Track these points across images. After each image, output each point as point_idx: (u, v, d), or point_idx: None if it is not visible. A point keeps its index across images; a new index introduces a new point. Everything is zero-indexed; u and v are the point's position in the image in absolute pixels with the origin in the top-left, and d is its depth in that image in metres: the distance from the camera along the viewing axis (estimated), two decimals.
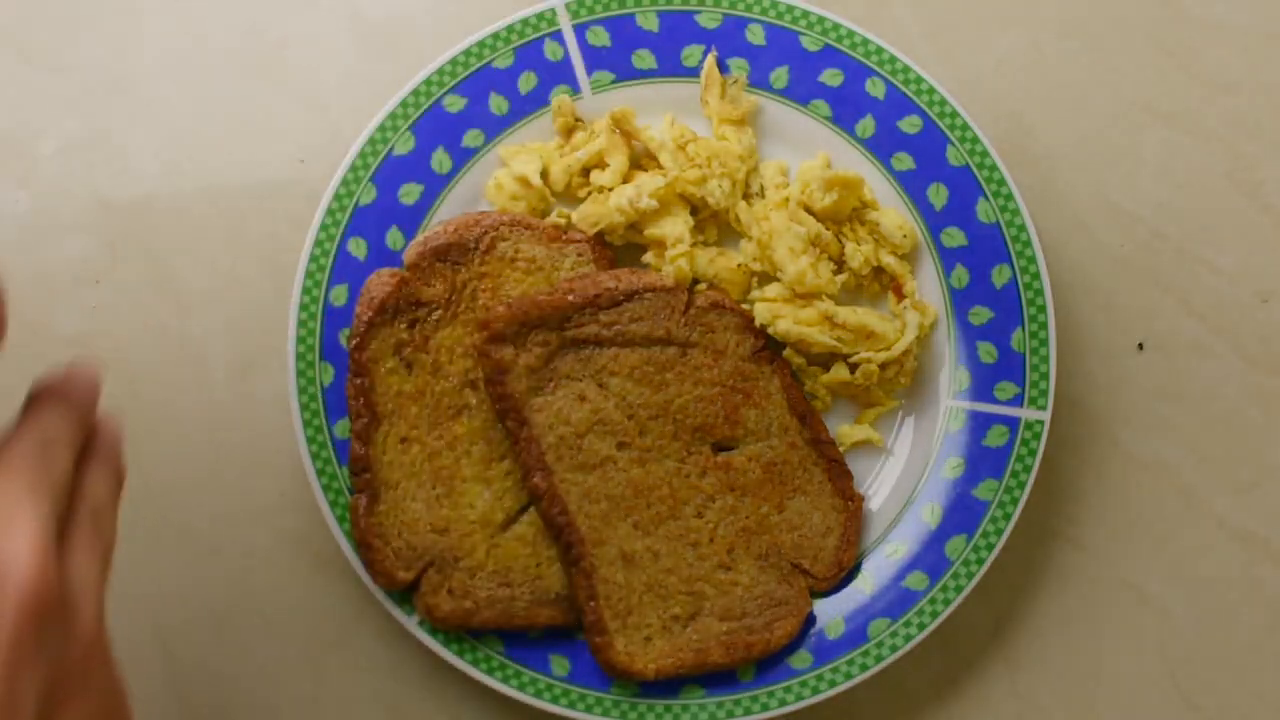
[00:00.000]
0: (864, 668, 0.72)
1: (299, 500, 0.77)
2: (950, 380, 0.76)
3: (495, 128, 0.77)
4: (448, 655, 0.72)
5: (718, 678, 0.73)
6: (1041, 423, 0.74)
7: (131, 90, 0.81)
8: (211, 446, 0.78)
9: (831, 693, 0.72)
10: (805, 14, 0.77)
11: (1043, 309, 0.74)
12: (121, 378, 0.78)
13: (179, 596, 0.77)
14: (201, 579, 0.77)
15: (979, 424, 0.75)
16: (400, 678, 0.76)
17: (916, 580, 0.73)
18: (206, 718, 0.76)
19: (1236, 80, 0.82)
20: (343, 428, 0.74)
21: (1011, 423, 0.74)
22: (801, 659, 0.73)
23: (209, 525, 0.77)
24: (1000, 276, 0.75)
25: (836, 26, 0.77)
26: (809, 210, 0.77)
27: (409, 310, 0.74)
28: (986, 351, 0.75)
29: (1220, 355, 0.80)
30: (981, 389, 0.75)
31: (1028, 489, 0.73)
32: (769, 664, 0.73)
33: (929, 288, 0.77)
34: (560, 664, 0.73)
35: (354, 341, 0.73)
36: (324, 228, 0.75)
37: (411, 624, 0.72)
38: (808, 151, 0.78)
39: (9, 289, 0.78)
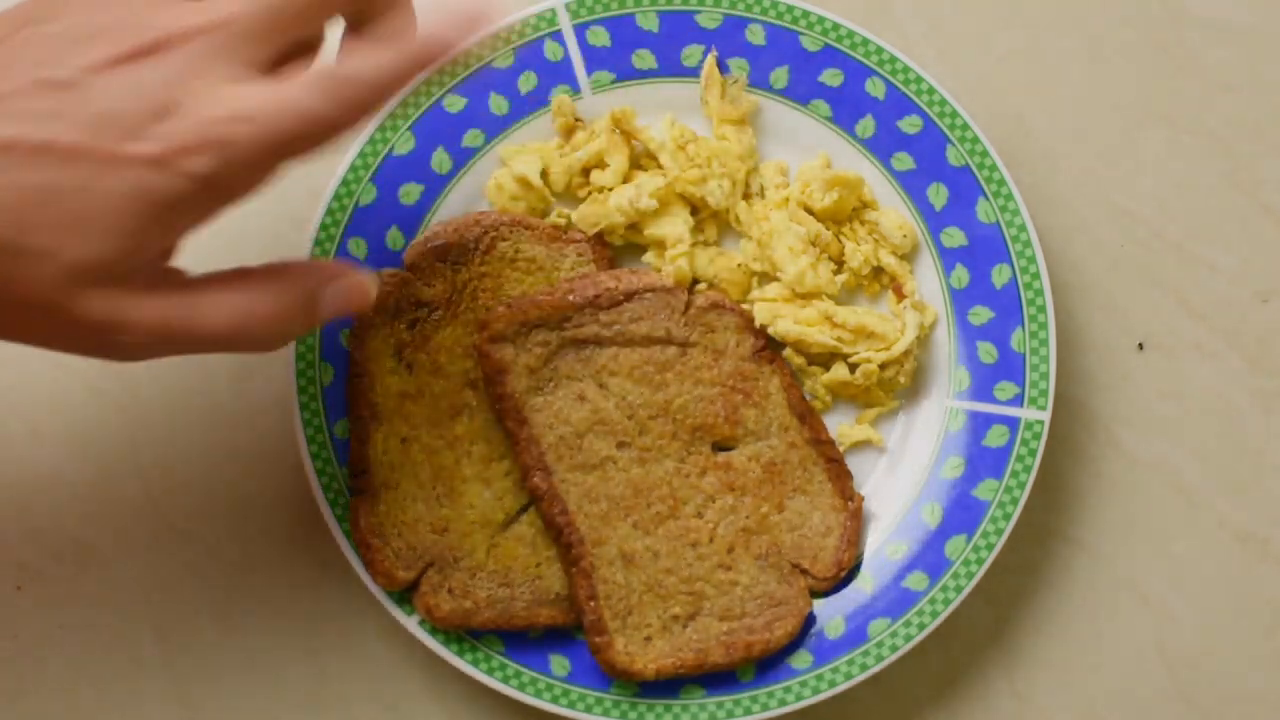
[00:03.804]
0: (864, 667, 0.72)
1: (299, 500, 0.77)
2: (950, 380, 0.76)
3: (495, 128, 0.77)
4: (448, 655, 0.72)
5: (718, 678, 0.73)
6: (1041, 423, 0.74)
7: None
8: (211, 447, 0.78)
9: (832, 692, 0.72)
10: (805, 14, 0.77)
11: (1043, 309, 0.74)
12: (122, 378, 0.78)
13: (179, 596, 0.77)
14: (201, 579, 0.77)
15: (979, 424, 0.75)
16: (400, 678, 0.76)
17: (916, 580, 0.73)
18: (207, 717, 0.76)
19: (1236, 80, 0.82)
20: (343, 428, 0.74)
21: (1011, 423, 0.74)
22: (801, 659, 0.73)
23: (209, 525, 0.77)
24: (1000, 276, 0.75)
25: (836, 26, 0.77)
26: (809, 210, 0.77)
27: (409, 310, 0.74)
28: (986, 351, 0.75)
29: (1220, 355, 0.80)
30: (981, 389, 0.75)
31: (1028, 489, 0.73)
32: (769, 664, 0.73)
33: (929, 287, 0.77)
34: (560, 664, 0.73)
35: (354, 341, 0.73)
36: (324, 227, 0.75)
37: (412, 624, 0.72)
38: (808, 151, 0.78)
39: None
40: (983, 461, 0.74)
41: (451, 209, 0.76)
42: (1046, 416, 0.74)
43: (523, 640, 0.73)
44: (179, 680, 0.76)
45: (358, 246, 0.75)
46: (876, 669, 0.72)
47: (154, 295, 0.57)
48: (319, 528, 0.76)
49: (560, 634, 0.73)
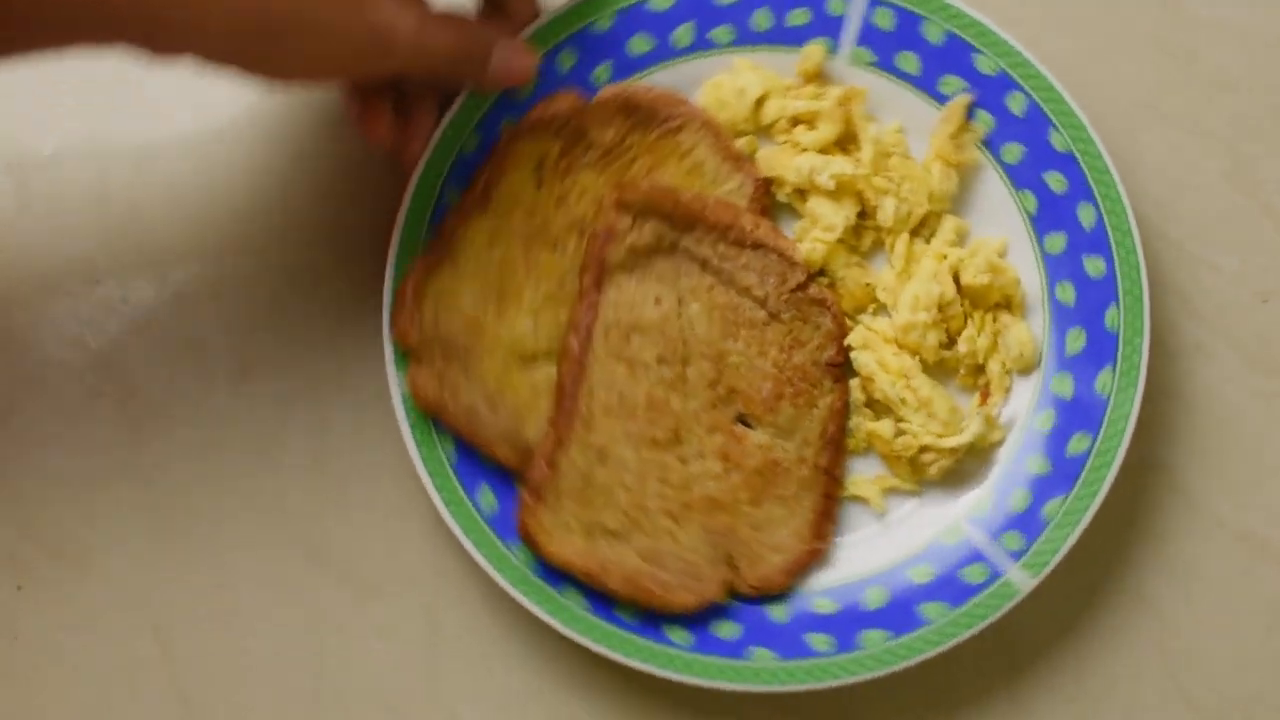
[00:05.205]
0: (724, 677, 0.72)
1: (299, 499, 0.79)
2: (972, 500, 0.74)
3: (746, 37, 0.77)
4: (405, 430, 0.73)
5: (602, 600, 0.73)
6: (1018, 590, 0.71)
7: (132, 89, 0.82)
8: (211, 446, 0.79)
9: (688, 679, 0.72)
10: (1071, 115, 0.75)
11: (1094, 494, 0.72)
12: (121, 378, 0.79)
13: (179, 596, 0.78)
14: (201, 578, 0.78)
15: (968, 553, 0.73)
16: (400, 677, 0.78)
17: (820, 641, 0.72)
18: (207, 717, 0.77)
19: (1236, 80, 0.80)
20: (453, 196, 0.76)
21: (996, 572, 0.72)
22: (679, 635, 0.73)
23: (209, 525, 0.78)
24: (1077, 445, 0.73)
25: (1091, 142, 0.74)
26: (956, 277, 0.76)
27: (572, 137, 0.76)
28: (1020, 497, 0.73)
29: (1220, 355, 0.78)
30: (994, 525, 0.73)
31: (968, 634, 0.71)
32: (652, 619, 0.73)
33: (1012, 410, 0.75)
34: (488, 500, 0.74)
35: (509, 132, 0.76)
36: (549, 27, 0.76)
37: (396, 382, 0.74)
38: (994, 227, 0.77)
39: (7, 290, 0.81)
40: (947, 586, 0.73)
41: (664, 81, 0.78)
42: (1029, 586, 0.72)
43: (472, 455, 0.74)
44: (179, 680, 0.78)
45: (567, 59, 0.77)
46: (736, 686, 0.72)
47: (410, 12, 0.68)
48: (319, 527, 0.78)
49: (505, 475, 0.74)
